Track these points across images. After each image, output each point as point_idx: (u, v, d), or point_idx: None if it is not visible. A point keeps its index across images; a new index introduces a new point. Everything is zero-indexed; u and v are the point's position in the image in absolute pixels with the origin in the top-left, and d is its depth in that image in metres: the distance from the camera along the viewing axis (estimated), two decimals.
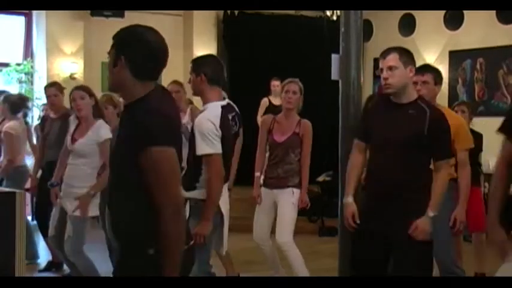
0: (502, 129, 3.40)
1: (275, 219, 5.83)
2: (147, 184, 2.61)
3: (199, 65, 4.50)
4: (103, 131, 5.55)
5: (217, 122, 4.29)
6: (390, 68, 4.02)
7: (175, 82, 6.70)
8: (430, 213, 3.96)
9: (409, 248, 3.95)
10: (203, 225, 4.24)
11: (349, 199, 4.18)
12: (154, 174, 2.60)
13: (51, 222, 5.75)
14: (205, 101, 4.46)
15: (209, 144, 4.23)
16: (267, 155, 5.97)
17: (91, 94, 5.64)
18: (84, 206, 5.38)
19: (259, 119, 10.21)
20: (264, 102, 10.08)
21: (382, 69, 4.07)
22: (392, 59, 4.03)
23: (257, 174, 5.93)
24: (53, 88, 6.83)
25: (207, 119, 4.28)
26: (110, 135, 5.49)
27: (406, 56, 4.06)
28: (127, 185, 2.70)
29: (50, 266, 6.97)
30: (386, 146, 4.03)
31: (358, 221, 4.13)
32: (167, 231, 2.59)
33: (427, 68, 5.03)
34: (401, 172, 3.99)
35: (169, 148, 2.62)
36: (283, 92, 5.86)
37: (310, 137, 5.80)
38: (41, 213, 6.79)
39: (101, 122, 5.62)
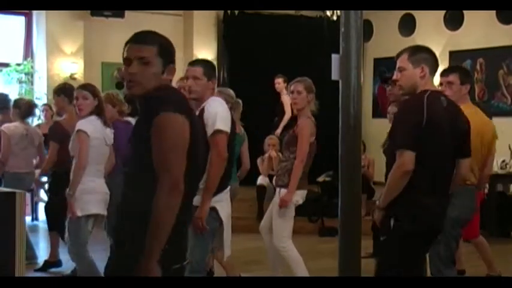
0: None
1: None
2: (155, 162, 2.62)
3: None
4: (79, 122, 5.36)
5: (228, 106, 4.61)
6: (400, 70, 4.04)
7: (183, 79, 6.69)
8: (378, 203, 4.01)
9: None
10: (200, 209, 4.23)
11: None
12: (157, 141, 2.62)
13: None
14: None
15: (222, 122, 4.39)
16: None
17: (95, 95, 5.46)
18: (69, 207, 5.26)
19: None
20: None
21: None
22: (401, 60, 4.03)
23: None
24: (53, 92, 6.82)
25: (221, 102, 4.53)
26: (84, 127, 5.27)
27: (416, 55, 4.02)
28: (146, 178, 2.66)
29: (45, 266, 6.97)
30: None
31: None
32: (158, 205, 2.57)
33: (452, 69, 5.11)
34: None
35: (177, 115, 2.66)
36: (290, 93, 5.89)
37: (305, 136, 5.60)
38: (52, 212, 6.83)
39: (89, 117, 5.40)
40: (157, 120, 2.64)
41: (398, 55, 4.07)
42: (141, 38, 2.83)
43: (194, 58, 11.69)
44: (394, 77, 4.08)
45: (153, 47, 2.80)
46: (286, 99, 9.74)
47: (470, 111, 4.64)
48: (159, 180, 2.59)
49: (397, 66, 4.04)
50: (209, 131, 4.35)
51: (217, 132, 4.35)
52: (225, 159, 4.35)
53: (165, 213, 2.58)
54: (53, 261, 6.93)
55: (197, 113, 4.35)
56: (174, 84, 6.84)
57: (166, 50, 2.85)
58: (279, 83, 10.16)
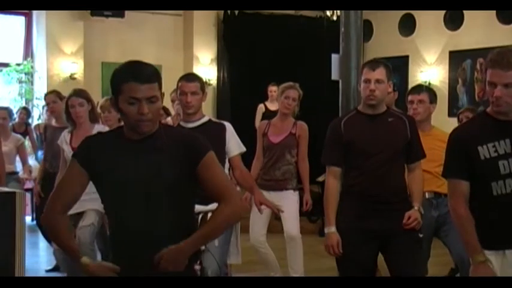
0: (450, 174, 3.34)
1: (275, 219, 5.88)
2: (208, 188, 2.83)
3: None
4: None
5: None
6: (378, 81, 4.13)
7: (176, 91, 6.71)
8: (417, 205, 4.16)
9: (406, 236, 4.09)
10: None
11: (333, 229, 4.19)
12: (219, 171, 2.90)
13: None
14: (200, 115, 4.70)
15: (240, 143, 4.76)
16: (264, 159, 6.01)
17: (89, 99, 5.57)
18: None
19: (257, 124, 10.10)
20: (260, 108, 9.87)
21: (368, 80, 4.13)
22: (381, 72, 4.14)
23: None
24: (52, 95, 6.83)
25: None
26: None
27: (389, 71, 4.21)
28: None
29: (57, 266, 6.98)
30: (377, 154, 4.11)
31: (341, 250, 4.12)
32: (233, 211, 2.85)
33: (422, 88, 5.34)
34: (396, 176, 4.15)
35: None
36: (282, 96, 5.90)
37: (307, 139, 5.93)
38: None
39: (98, 126, 5.53)
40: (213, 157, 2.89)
41: (375, 66, 4.18)
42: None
43: (194, 58, 11.73)
44: (372, 87, 4.11)
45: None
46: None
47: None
48: (233, 197, 2.86)
49: (376, 78, 4.10)
50: (236, 151, 4.74)
51: (241, 153, 4.80)
52: None
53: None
54: None
55: (192, 125, 4.54)
56: (167, 95, 6.89)
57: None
58: (275, 91, 9.58)
